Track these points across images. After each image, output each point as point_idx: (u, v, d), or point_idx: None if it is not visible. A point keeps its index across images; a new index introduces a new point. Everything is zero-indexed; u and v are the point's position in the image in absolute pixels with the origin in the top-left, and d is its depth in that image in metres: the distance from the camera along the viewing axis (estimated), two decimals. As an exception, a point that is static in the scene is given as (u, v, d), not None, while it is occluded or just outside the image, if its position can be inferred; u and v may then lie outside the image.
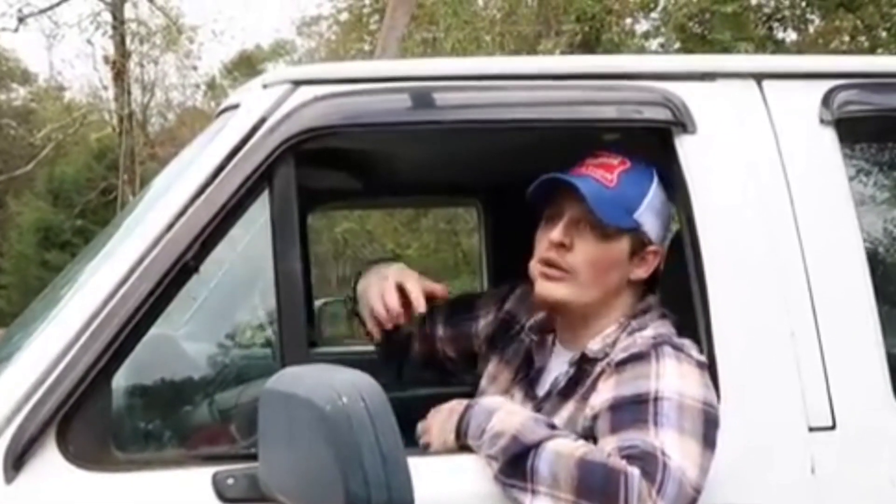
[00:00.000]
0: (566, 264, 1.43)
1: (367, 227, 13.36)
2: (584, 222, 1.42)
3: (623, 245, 1.44)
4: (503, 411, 1.31)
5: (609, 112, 1.46)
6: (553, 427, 1.30)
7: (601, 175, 1.44)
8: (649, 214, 1.45)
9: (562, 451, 1.25)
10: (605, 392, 1.33)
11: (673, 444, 1.26)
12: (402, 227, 13.07)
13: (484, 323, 1.66)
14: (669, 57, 1.82)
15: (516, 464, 1.25)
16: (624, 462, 1.24)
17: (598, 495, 1.22)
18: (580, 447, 1.27)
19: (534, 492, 1.24)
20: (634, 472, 1.23)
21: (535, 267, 1.46)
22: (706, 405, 1.30)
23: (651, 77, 1.47)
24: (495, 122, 1.48)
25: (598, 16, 11.09)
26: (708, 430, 1.28)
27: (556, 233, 1.43)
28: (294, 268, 1.36)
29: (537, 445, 1.25)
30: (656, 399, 1.29)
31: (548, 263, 1.44)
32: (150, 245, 1.33)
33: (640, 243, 1.45)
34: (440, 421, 1.38)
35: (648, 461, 1.24)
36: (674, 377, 1.31)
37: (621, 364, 1.35)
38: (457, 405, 1.38)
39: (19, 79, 20.36)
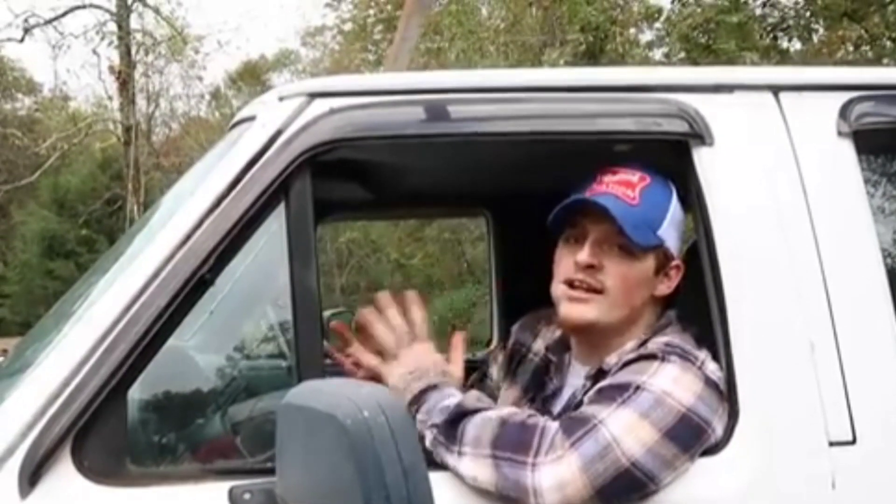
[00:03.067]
0: (598, 283, 1.41)
1: (372, 236, 13.35)
2: (610, 242, 1.41)
3: (649, 263, 1.43)
4: (455, 397, 1.35)
5: (626, 124, 1.45)
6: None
7: (623, 193, 1.42)
8: (671, 230, 1.44)
9: (492, 416, 1.31)
10: (602, 383, 1.35)
11: (620, 420, 1.27)
12: (407, 237, 13.06)
13: (496, 368, 1.67)
14: (686, 69, 1.82)
15: (451, 428, 1.30)
16: (547, 419, 1.29)
17: (514, 445, 1.27)
18: (509, 411, 1.33)
19: (460, 453, 1.29)
20: (553, 425, 1.28)
21: (558, 289, 1.44)
22: (690, 411, 1.29)
23: (668, 89, 1.46)
24: (511, 134, 1.48)
25: (603, 26, 11.13)
26: (679, 429, 1.27)
27: (584, 255, 1.40)
28: (310, 281, 1.36)
29: (473, 413, 1.31)
30: (637, 388, 1.30)
31: (574, 285, 1.42)
32: (166, 258, 1.32)
33: (664, 259, 1.44)
34: (400, 374, 1.39)
35: (579, 422, 1.28)
36: (667, 379, 1.31)
37: (627, 363, 1.36)
38: (417, 374, 1.38)
39: (24, 89, 20.40)
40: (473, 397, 1.37)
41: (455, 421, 1.31)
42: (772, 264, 1.40)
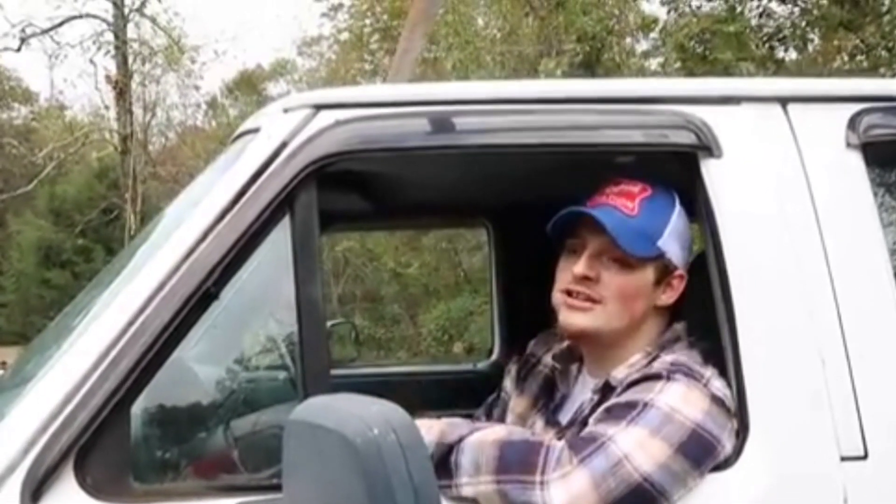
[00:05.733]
0: (595, 294, 1.41)
1: (368, 245, 13.33)
2: (608, 253, 1.41)
3: (648, 274, 1.42)
4: (423, 429, 1.29)
5: (634, 136, 1.45)
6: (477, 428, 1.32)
7: (622, 204, 1.42)
8: (672, 241, 1.43)
9: (483, 439, 1.28)
10: (608, 402, 1.34)
11: (630, 436, 1.26)
12: (403, 246, 13.05)
13: (509, 380, 1.65)
14: (693, 80, 1.82)
15: (441, 465, 1.26)
16: (551, 437, 1.27)
17: (518, 466, 1.24)
18: (502, 430, 1.30)
19: (457, 485, 1.26)
20: (558, 443, 1.26)
21: (558, 297, 1.45)
22: (699, 427, 1.28)
23: (675, 101, 1.46)
24: (516, 146, 1.47)
25: (599, 35, 11.15)
26: (690, 445, 1.26)
27: (581, 266, 1.41)
28: (315, 294, 1.35)
29: (459, 442, 1.28)
30: (645, 405, 1.29)
31: (572, 294, 1.42)
32: (171, 271, 1.31)
33: (664, 270, 1.43)
34: None
35: (586, 440, 1.26)
36: (675, 396, 1.30)
37: (633, 383, 1.35)
38: None
39: (21, 98, 20.37)
40: (449, 427, 1.32)
41: (444, 457, 1.28)
42: (781, 277, 1.39)
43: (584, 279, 1.41)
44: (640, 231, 1.40)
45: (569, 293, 1.42)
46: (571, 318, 1.42)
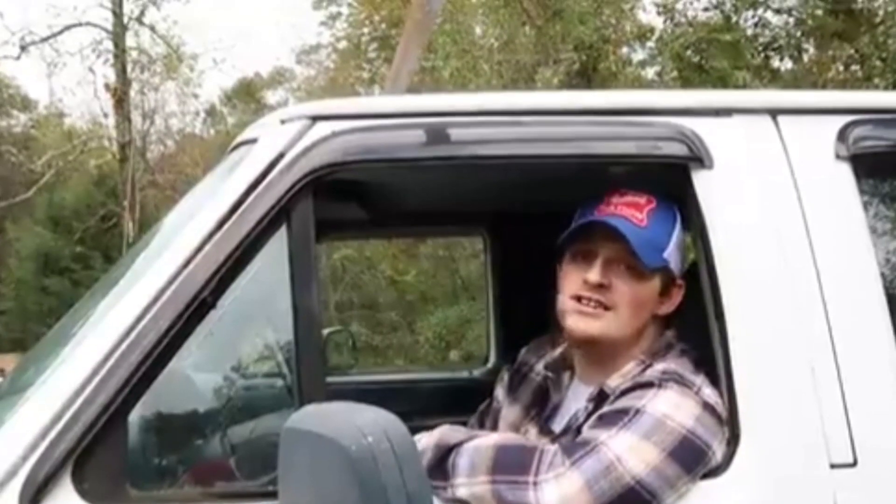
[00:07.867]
0: (607, 301, 1.43)
1: (366, 253, 13.35)
2: (620, 262, 1.42)
3: (655, 284, 1.45)
4: (425, 436, 1.34)
5: (626, 147, 1.46)
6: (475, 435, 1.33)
7: (632, 214, 1.44)
8: (675, 252, 1.46)
9: (480, 443, 1.30)
10: (601, 410, 1.36)
11: (622, 441, 1.27)
12: (401, 253, 13.06)
13: (501, 388, 1.67)
14: (685, 92, 1.84)
15: (438, 467, 1.29)
16: (546, 443, 1.29)
17: (512, 468, 1.26)
18: (499, 436, 1.32)
19: (453, 486, 1.28)
20: (552, 447, 1.28)
21: (567, 303, 1.45)
22: (691, 433, 1.30)
23: (667, 112, 1.48)
24: (511, 157, 1.49)
25: (596, 45, 11.19)
26: (681, 451, 1.28)
27: (594, 274, 1.42)
28: (311, 302, 1.36)
29: (458, 445, 1.30)
30: (638, 411, 1.31)
31: (583, 300, 1.43)
32: (168, 281, 1.32)
33: (668, 280, 1.46)
34: None
35: (579, 444, 1.29)
36: (666, 404, 1.32)
37: (625, 391, 1.37)
38: None
39: (20, 105, 20.37)
40: (450, 431, 1.35)
41: (442, 458, 1.30)
42: (772, 288, 1.40)
43: (598, 286, 1.42)
44: (650, 242, 1.42)
45: (579, 299, 1.44)
46: (581, 323, 1.43)
